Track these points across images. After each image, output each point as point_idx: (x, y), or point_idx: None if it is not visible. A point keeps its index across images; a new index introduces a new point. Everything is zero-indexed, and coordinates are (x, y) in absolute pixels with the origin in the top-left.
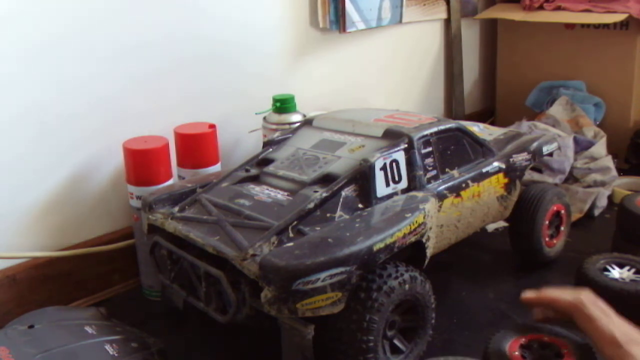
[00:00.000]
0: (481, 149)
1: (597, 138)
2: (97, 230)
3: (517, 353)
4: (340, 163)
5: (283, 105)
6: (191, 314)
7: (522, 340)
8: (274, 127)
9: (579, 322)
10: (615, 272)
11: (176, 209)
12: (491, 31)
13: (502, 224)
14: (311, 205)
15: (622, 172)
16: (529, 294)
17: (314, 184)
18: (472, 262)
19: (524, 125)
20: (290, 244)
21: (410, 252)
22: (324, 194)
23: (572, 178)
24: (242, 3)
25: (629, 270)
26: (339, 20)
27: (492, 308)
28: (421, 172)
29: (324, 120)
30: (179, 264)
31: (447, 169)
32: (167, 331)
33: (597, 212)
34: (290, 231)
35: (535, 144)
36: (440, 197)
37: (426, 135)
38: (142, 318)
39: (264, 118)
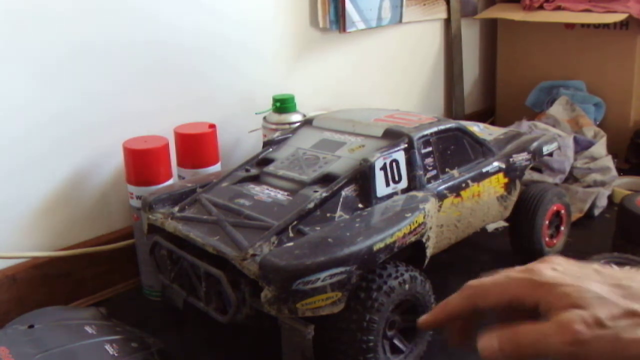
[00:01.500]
0: (481, 148)
1: (597, 138)
2: (97, 230)
3: None
4: (340, 163)
5: (283, 105)
6: (191, 314)
7: None
8: (274, 127)
9: (481, 305)
10: None
11: (176, 209)
12: (491, 31)
13: (502, 224)
14: (311, 205)
15: (622, 172)
16: (422, 319)
17: (314, 183)
18: (472, 262)
19: (524, 125)
20: (290, 243)
21: (410, 252)
22: (324, 194)
23: (572, 178)
24: (241, 2)
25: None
26: (339, 20)
27: None
28: (421, 172)
29: (324, 120)
30: (179, 264)
31: (447, 169)
32: (167, 331)
33: (597, 212)
34: (290, 231)
35: (535, 144)
36: (440, 197)
37: (426, 135)
38: (142, 318)
39: (264, 118)
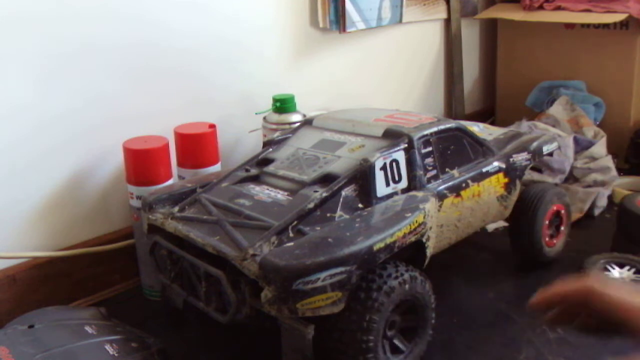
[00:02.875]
0: (481, 148)
1: (597, 138)
2: (97, 230)
3: None
4: (340, 163)
5: (283, 105)
6: (191, 314)
7: None
8: (274, 127)
9: (597, 305)
10: (615, 272)
11: (176, 209)
12: (491, 31)
13: (502, 224)
14: (311, 205)
15: (622, 172)
16: (535, 299)
17: (314, 183)
18: (472, 262)
19: (524, 125)
20: (290, 243)
21: (411, 252)
22: (324, 194)
23: (572, 178)
24: (242, 2)
25: (629, 270)
26: (339, 20)
27: (492, 308)
28: (421, 172)
29: (324, 120)
30: (179, 264)
31: (447, 169)
32: (167, 331)
33: (597, 212)
34: (290, 231)
35: (535, 144)
36: (440, 196)
37: (426, 135)
38: (142, 318)
39: (264, 118)
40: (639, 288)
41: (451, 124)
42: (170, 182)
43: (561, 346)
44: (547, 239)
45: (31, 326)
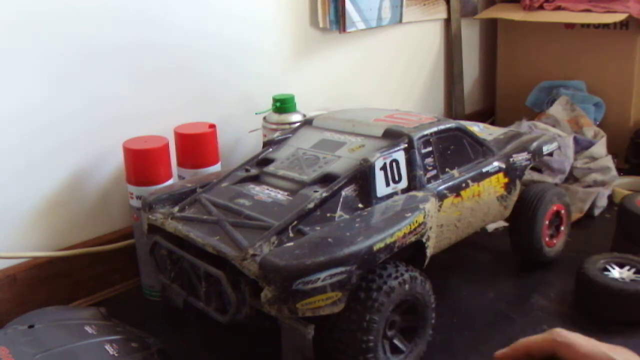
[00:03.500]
0: (481, 148)
1: (597, 138)
2: (97, 230)
3: None
4: (340, 163)
5: (283, 105)
6: (191, 314)
7: None
8: (274, 127)
9: (563, 355)
10: (615, 272)
11: (176, 209)
12: (491, 31)
13: (502, 224)
14: (311, 205)
15: (622, 172)
16: (500, 353)
17: (314, 183)
18: (472, 262)
19: (524, 125)
20: (290, 243)
21: (411, 252)
22: (324, 194)
23: (572, 178)
24: (242, 2)
25: (629, 270)
26: (339, 20)
27: (492, 308)
28: (421, 172)
29: (324, 120)
30: (179, 264)
31: (447, 169)
32: (167, 331)
33: (597, 212)
34: (290, 231)
35: (535, 144)
36: (440, 196)
37: (426, 135)
38: (142, 318)
39: (264, 118)
40: (600, 343)
41: (451, 124)
42: (170, 182)
43: None
44: (547, 239)
45: (31, 326)
